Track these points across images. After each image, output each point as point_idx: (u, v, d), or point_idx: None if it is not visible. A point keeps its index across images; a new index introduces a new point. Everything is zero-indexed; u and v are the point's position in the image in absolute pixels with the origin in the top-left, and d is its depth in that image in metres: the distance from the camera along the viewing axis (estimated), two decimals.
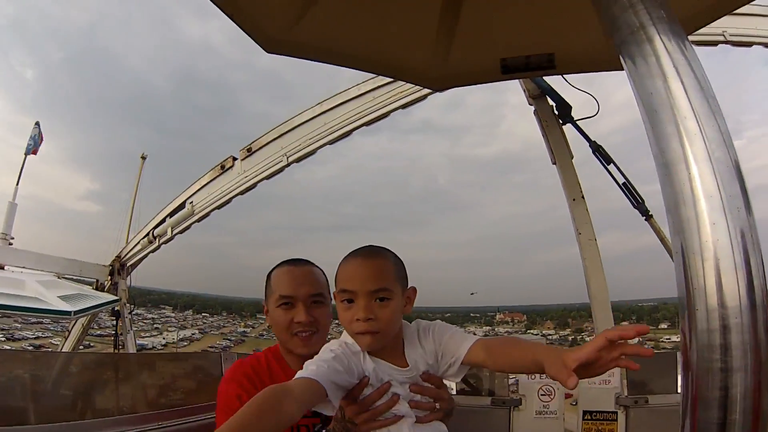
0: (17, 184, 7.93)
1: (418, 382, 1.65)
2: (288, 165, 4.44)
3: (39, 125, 8.72)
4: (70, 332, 7.19)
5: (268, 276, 2.08)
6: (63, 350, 7.11)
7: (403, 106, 3.89)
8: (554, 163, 3.66)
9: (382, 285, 1.57)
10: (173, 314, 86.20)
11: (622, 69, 0.89)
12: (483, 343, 1.62)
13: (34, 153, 8.54)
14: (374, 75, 3.83)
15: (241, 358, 2.09)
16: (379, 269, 1.60)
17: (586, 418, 3.37)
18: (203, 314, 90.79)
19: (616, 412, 3.36)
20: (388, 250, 1.70)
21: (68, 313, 5.14)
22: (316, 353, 1.64)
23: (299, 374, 1.45)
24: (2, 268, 6.04)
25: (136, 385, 2.53)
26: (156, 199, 5.71)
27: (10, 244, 6.72)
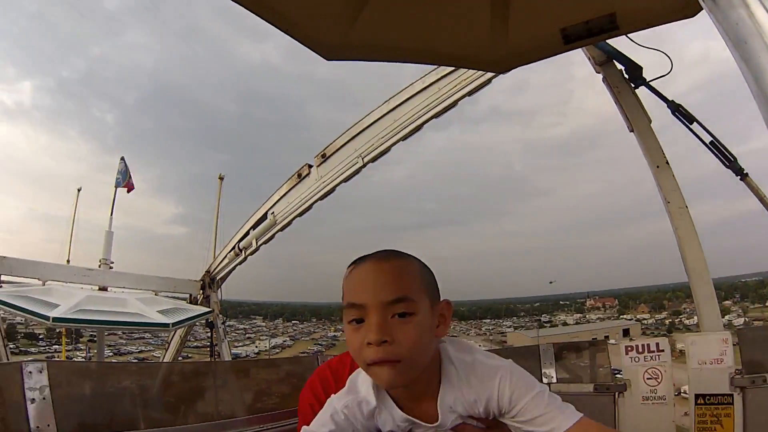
0: (111, 214, 8.58)
1: None
2: (364, 165, 4.45)
3: (124, 159, 9.32)
4: (169, 344, 7.68)
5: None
6: (164, 361, 7.57)
7: (470, 93, 3.79)
8: (631, 131, 3.45)
9: (400, 294, 1.15)
10: (264, 323, 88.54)
11: (690, 15, 0.83)
12: (588, 426, 1.18)
13: (128, 187, 9.16)
14: (435, 66, 3.82)
15: (324, 363, 2.04)
16: (397, 274, 1.19)
17: (698, 402, 3.01)
18: (293, 322, 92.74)
19: (732, 395, 2.98)
20: (409, 254, 1.30)
21: (167, 324, 5.43)
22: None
23: None
24: (106, 290, 6.49)
25: (233, 391, 2.60)
26: (237, 215, 5.95)
27: (111, 267, 7.21)
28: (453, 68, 3.75)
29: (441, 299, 1.27)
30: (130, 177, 9.21)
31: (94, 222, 7.51)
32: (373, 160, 4.41)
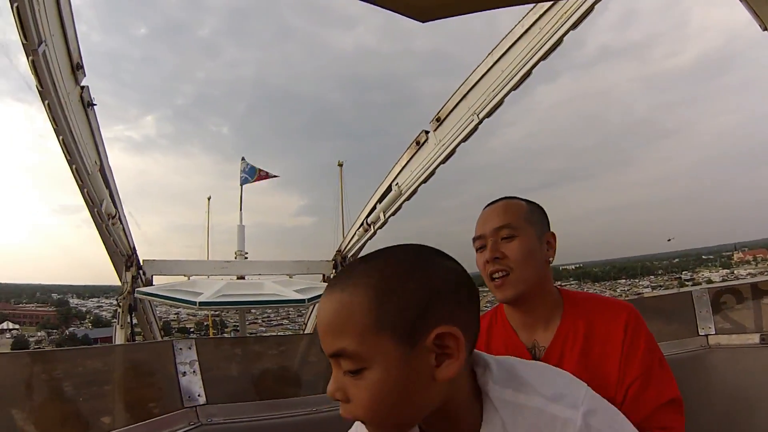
0: (240, 210, 9.14)
1: None
2: (480, 122, 4.31)
3: (245, 159, 9.80)
4: (306, 324, 8.18)
5: None
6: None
7: (573, 26, 3.47)
8: (765, 29, 3.02)
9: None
10: None
11: None
12: None
13: (260, 179, 9.70)
14: (532, 4, 3.61)
15: None
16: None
17: None
18: None
19: None
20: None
21: (302, 300, 5.62)
22: (516, 296, 1.54)
23: None
24: (243, 278, 6.91)
25: None
26: (360, 196, 6.05)
27: (246, 258, 7.70)
28: (550, 4, 3.51)
29: (437, 326, 0.87)
30: (259, 170, 9.67)
31: (225, 225, 8.05)
32: (488, 115, 4.26)
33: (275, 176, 9.81)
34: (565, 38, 3.64)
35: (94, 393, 1.86)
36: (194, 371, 1.92)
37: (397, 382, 0.86)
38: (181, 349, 1.95)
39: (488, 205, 1.74)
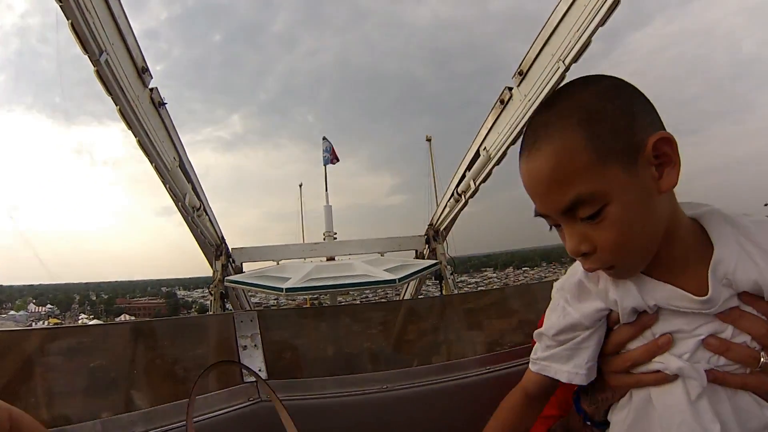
0: (326, 190, 9.04)
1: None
2: (567, 68, 3.82)
3: (326, 138, 9.80)
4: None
5: None
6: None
7: None
8: None
9: (572, 195, 0.86)
10: (494, 274, 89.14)
11: None
12: None
13: (334, 162, 9.62)
14: None
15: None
16: (553, 168, 0.86)
17: None
18: (523, 268, 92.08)
19: None
20: (572, 95, 0.90)
21: (393, 281, 5.42)
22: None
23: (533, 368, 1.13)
24: (333, 260, 6.81)
25: (460, 330, 2.40)
26: (452, 171, 5.79)
27: (334, 238, 7.60)
28: None
29: (652, 134, 0.85)
30: (333, 150, 9.71)
31: (318, 210, 8.08)
32: (575, 59, 3.75)
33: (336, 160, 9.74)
34: None
35: (149, 367, 1.77)
36: (255, 345, 1.79)
37: (635, 205, 0.84)
38: (242, 321, 1.83)
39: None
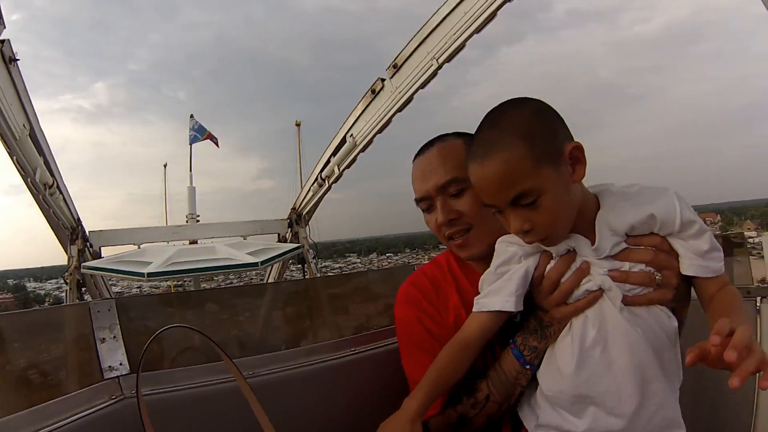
0: (190, 170, 8.85)
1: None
2: (440, 67, 4.06)
3: (193, 116, 9.43)
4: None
5: None
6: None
7: None
8: None
9: (517, 191, 1.13)
10: (358, 260, 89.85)
11: None
12: (723, 284, 1.21)
13: (210, 138, 9.23)
14: None
15: (417, 270, 1.77)
16: (504, 173, 1.13)
17: None
18: (387, 254, 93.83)
19: None
20: (511, 117, 1.18)
21: (255, 264, 5.44)
22: (484, 252, 1.49)
23: (474, 309, 1.36)
24: (196, 243, 6.64)
25: (322, 312, 2.43)
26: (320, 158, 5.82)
27: (197, 221, 7.43)
28: None
29: (567, 143, 1.18)
30: (208, 132, 9.33)
31: (185, 192, 7.76)
32: (449, 59, 4.01)
33: (215, 142, 9.41)
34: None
35: None
36: (114, 336, 1.66)
37: (559, 194, 1.16)
38: (99, 311, 1.69)
39: (419, 152, 1.64)
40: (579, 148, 1.17)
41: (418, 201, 1.60)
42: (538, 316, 1.34)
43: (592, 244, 1.23)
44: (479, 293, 1.37)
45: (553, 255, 1.29)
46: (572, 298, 1.26)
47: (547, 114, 1.20)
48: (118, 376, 1.61)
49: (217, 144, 9.39)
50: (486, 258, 1.45)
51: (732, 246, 2.67)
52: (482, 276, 1.39)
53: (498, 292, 1.32)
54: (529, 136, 1.13)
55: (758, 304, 2.20)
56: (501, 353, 1.43)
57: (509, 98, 1.23)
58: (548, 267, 1.30)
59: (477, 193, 1.23)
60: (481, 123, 1.21)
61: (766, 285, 2.35)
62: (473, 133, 1.27)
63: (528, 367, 1.35)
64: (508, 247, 1.35)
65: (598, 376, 1.22)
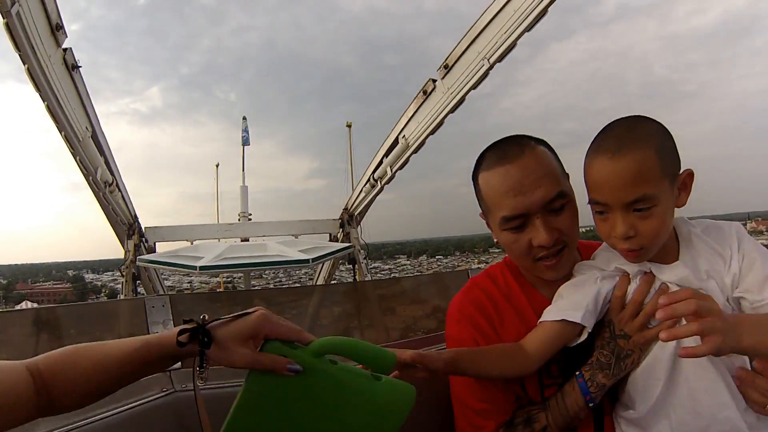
0: (243, 170, 9.05)
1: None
2: (491, 67, 3.99)
3: (245, 118, 9.69)
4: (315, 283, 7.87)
5: (476, 184, 1.48)
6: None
7: None
8: None
9: (640, 193, 1.16)
10: (408, 261, 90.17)
11: None
12: None
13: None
14: None
15: (470, 281, 1.63)
16: (636, 172, 1.16)
17: None
18: (437, 257, 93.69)
19: None
20: (647, 126, 1.22)
21: (306, 261, 5.45)
22: (569, 272, 1.44)
23: (541, 318, 1.37)
24: (247, 240, 6.74)
25: (374, 316, 2.42)
26: (370, 159, 5.85)
27: (249, 219, 7.58)
28: None
29: (681, 169, 1.24)
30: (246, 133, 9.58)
31: (235, 191, 7.94)
32: (500, 59, 3.94)
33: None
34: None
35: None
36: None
37: (669, 210, 1.21)
38: (153, 306, 1.74)
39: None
40: (691, 176, 1.23)
41: (508, 219, 1.36)
42: (616, 345, 1.30)
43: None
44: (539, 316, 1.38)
45: (631, 279, 1.31)
46: (651, 322, 1.27)
47: (671, 136, 1.24)
48: (169, 370, 1.63)
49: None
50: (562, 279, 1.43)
51: None
52: (558, 290, 1.40)
53: (568, 304, 1.32)
54: (662, 147, 1.19)
55: None
56: (559, 379, 1.41)
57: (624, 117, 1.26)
58: (630, 288, 1.31)
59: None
60: (611, 124, 1.24)
61: None
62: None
63: (591, 405, 1.31)
64: (587, 269, 1.39)
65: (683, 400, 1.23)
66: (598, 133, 1.25)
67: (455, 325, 1.53)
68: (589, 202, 1.26)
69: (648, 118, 1.24)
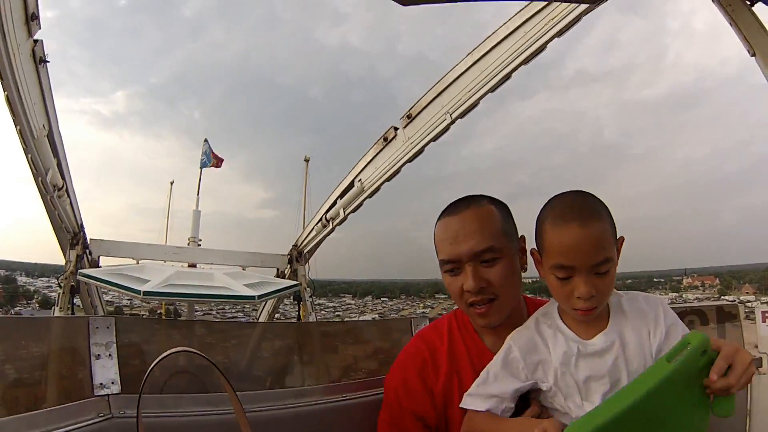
0: (198, 194, 8.84)
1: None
2: (453, 122, 4.14)
3: (207, 141, 9.56)
4: (258, 320, 7.71)
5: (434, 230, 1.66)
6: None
7: (559, 33, 3.33)
8: (752, 55, 2.92)
9: (603, 256, 1.31)
10: (353, 301, 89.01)
11: None
12: None
13: (217, 166, 9.37)
14: (522, 7, 3.49)
15: (421, 333, 1.80)
16: (600, 237, 1.32)
17: None
18: (382, 299, 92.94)
19: None
20: (598, 200, 1.40)
21: (253, 297, 5.44)
22: (502, 322, 1.56)
23: (470, 406, 1.47)
24: (195, 266, 6.63)
25: (316, 356, 2.43)
26: (325, 195, 5.88)
27: (199, 245, 7.47)
28: (541, 8, 3.39)
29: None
30: (214, 155, 9.45)
31: (187, 212, 7.86)
32: (462, 115, 4.10)
33: (218, 165, 9.52)
34: (548, 45, 3.51)
35: None
36: (110, 354, 1.67)
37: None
38: (97, 327, 1.70)
39: (451, 209, 1.62)
40: (623, 241, 1.38)
41: (445, 262, 1.57)
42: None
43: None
44: (475, 367, 1.56)
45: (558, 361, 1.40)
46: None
47: None
48: (108, 395, 1.61)
49: (218, 165, 9.49)
50: (498, 327, 1.56)
51: (726, 317, 2.77)
52: (488, 365, 1.49)
53: (488, 395, 1.46)
54: (610, 216, 1.36)
55: None
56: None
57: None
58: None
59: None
60: (566, 197, 1.39)
61: (758, 357, 2.54)
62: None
63: None
64: (515, 353, 1.44)
65: None
66: (555, 205, 1.39)
67: (392, 369, 1.71)
68: (552, 267, 1.35)
69: (591, 193, 1.41)
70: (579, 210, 1.33)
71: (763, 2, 2.89)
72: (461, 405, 1.49)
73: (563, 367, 1.38)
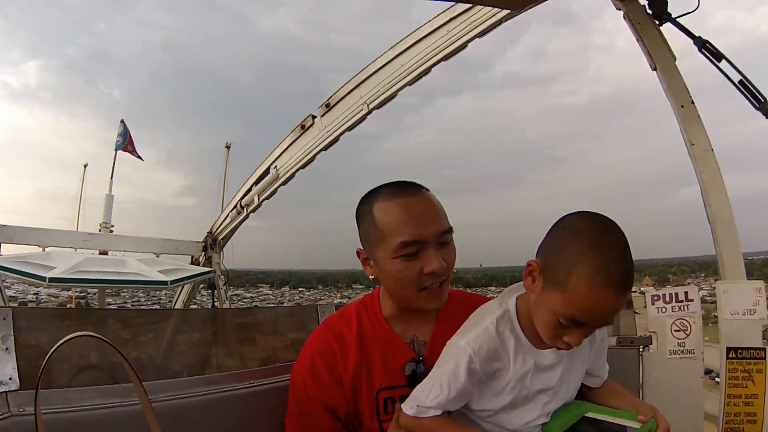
0: (111, 177, 8.50)
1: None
2: (369, 112, 4.21)
3: (123, 122, 9.17)
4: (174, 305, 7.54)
5: (368, 214, 1.58)
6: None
7: (480, 34, 3.44)
8: (654, 69, 3.13)
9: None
10: (270, 291, 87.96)
11: None
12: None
13: (128, 150, 8.95)
14: (450, 5, 3.57)
15: (327, 322, 1.77)
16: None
17: (730, 356, 2.59)
18: (299, 289, 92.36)
19: (765, 349, 2.55)
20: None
21: (165, 282, 5.35)
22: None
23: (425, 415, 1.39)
24: (106, 254, 6.40)
25: (226, 344, 2.41)
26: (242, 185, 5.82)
27: (111, 231, 7.19)
28: (465, 9, 3.49)
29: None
30: (131, 141, 9.08)
31: (102, 198, 7.46)
32: (379, 106, 4.17)
33: (138, 157, 9.19)
34: (469, 45, 3.62)
35: None
36: (7, 348, 1.58)
37: None
38: None
39: (407, 190, 1.58)
40: None
41: (406, 244, 1.47)
42: None
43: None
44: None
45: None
46: None
47: None
48: (6, 392, 1.51)
49: (135, 155, 9.14)
50: (406, 315, 1.62)
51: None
52: (443, 377, 1.40)
53: (438, 398, 1.38)
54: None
55: (640, 351, 2.58)
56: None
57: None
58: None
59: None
60: (618, 255, 1.23)
61: (647, 335, 2.67)
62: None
63: None
64: (476, 363, 1.36)
65: None
66: (601, 258, 1.22)
67: (300, 359, 1.68)
68: (565, 318, 1.26)
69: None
70: (624, 277, 1.22)
71: (672, 23, 3.12)
72: (417, 414, 1.40)
73: (519, 382, 1.38)
